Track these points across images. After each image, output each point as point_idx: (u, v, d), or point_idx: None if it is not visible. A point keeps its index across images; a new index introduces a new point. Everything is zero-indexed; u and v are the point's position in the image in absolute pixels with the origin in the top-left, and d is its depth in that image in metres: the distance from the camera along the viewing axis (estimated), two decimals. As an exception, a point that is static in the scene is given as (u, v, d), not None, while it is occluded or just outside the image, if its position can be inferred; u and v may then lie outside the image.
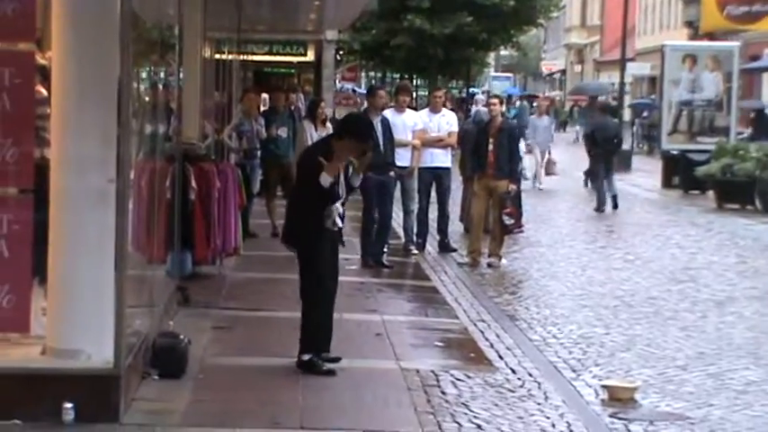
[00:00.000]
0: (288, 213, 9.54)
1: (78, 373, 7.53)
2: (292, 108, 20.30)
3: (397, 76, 48.13)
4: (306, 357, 9.14)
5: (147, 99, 10.23)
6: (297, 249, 9.39)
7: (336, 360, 9.29)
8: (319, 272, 9.22)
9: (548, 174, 27.83)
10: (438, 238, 16.63)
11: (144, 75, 10.01)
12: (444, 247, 16.48)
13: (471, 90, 53.83)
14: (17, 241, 7.74)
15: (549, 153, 28.06)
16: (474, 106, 27.67)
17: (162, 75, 11.35)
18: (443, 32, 40.19)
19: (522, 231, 16.17)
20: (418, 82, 50.48)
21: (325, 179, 9.00)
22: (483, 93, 50.58)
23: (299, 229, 9.19)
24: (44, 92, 8.10)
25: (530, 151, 26.58)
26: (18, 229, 7.75)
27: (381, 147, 14.51)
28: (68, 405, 7.35)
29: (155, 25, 10.66)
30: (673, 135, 29.69)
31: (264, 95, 21.97)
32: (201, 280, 12.53)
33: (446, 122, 16.34)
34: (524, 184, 25.19)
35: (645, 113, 48.79)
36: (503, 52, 76.17)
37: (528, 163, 26.37)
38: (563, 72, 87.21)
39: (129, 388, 7.87)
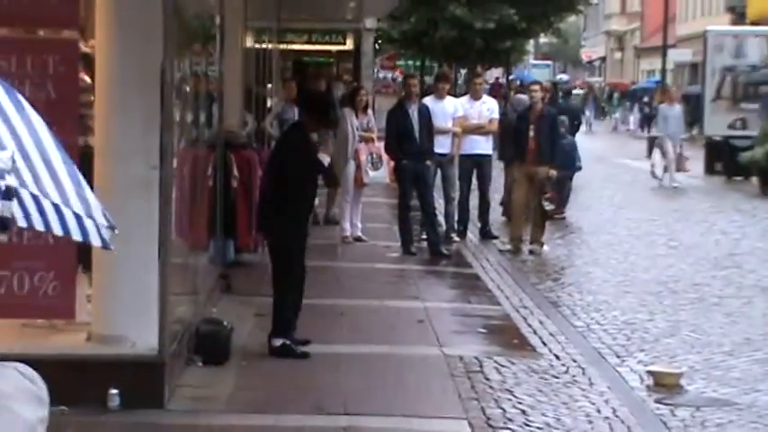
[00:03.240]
0: (268, 198, 9.36)
1: (123, 359, 7.56)
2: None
3: (436, 64, 48.02)
4: (278, 342, 9.10)
5: (188, 87, 10.26)
6: (274, 234, 9.32)
7: (306, 342, 9.24)
8: (295, 255, 9.22)
9: (678, 170, 25.62)
10: (479, 225, 16.59)
11: (186, 63, 10.04)
12: (485, 235, 16.44)
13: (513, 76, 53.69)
14: (62, 229, 7.76)
15: (681, 146, 25.97)
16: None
17: (203, 63, 11.37)
18: (485, 25, 40.05)
19: (563, 218, 16.08)
20: (458, 70, 50.39)
21: (324, 158, 9.13)
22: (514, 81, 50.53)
23: (281, 214, 9.09)
24: (88, 80, 8.14)
25: (659, 145, 25.79)
26: (62, 217, 7.76)
27: (417, 135, 14.51)
28: (114, 391, 7.38)
29: (197, 15, 10.67)
30: (715, 102, 29.20)
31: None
32: (244, 267, 12.57)
33: (487, 109, 16.28)
34: (653, 183, 25.12)
35: (645, 98, 48.65)
36: (542, 39, 75.87)
37: (657, 158, 25.76)
38: (603, 59, 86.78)
39: (174, 374, 7.89)
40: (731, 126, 29.19)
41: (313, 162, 9.08)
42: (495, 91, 43.97)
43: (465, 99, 16.60)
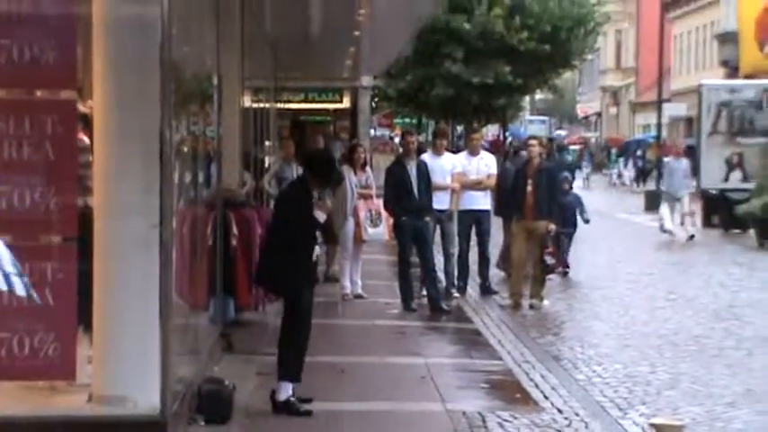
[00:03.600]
0: (270, 253, 9.40)
1: (125, 420, 7.53)
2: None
3: (433, 121, 48.21)
4: (283, 397, 9.08)
5: (187, 147, 10.30)
6: (281, 288, 9.40)
7: (309, 400, 9.22)
8: (305, 310, 9.25)
9: (681, 223, 25.68)
10: (479, 280, 16.58)
11: (184, 123, 10.09)
12: (486, 290, 16.43)
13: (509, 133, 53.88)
14: (62, 289, 7.77)
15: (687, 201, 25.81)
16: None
17: (201, 123, 11.42)
18: (482, 81, 40.25)
19: (566, 272, 16.09)
20: (455, 127, 50.58)
21: (320, 215, 9.20)
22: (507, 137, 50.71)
23: (288, 269, 9.15)
24: (86, 140, 8.17)
25: (667, 199, 25.65)
26: (62, 278, 7.78)
27: (416, 191, 14.56)
28: (115, 452, 7.34)
29: (194, 75, 10.74)
30: (712, 136, 29.23)
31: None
32: (244, 326, 12.55)
33: (485, 165, 16.32)
34: (663, 237, 25.03)
35: (639, 152, 48.87)
36: (538, 96, 76.21)
37: (665, 212, 25.50)
38: (599, 114, 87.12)
39: (176, 434, 7.86)
40: (728, 161, 29.19)
41: (309, 219, 9.11)
42: (496, 147, 44.14)
43: (463, 155, 16.65)
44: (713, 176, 29.10)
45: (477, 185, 16.04)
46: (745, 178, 28.61)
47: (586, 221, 19.13)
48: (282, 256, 9.14)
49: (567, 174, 20.95)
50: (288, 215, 9.27)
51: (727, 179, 29.01)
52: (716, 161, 29.18)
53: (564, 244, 18.49)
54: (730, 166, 29.12)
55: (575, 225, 18.95)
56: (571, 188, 19.93)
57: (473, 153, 16.45)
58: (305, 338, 9.31)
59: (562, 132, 74.44)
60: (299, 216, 9.13)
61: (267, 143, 19.92)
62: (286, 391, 9.12)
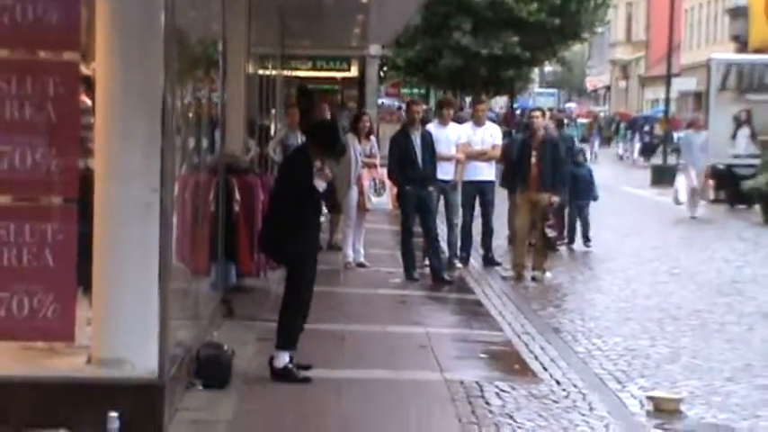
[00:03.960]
0: (272, 221, 9.40)
1: (123, 382, 7.53)
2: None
3: (441, 92, 48.15)
4: (281, 364, 9.10)
5: (190, 112, 10.28)
6: (283, 257, 9.40)
7: (308, 367, 9.25)
8: (308, 278, 9.26)
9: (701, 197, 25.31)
10: (482, 252, 16.58)
11: (188, 88, 10.06)
12: (488, 261, 16.43)
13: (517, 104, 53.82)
14: (62, 251, 7.76)
15: (704, 174, 25.45)
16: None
17: (206, 88, 11.40)
18: (490, 52, 40.15)
19: (564, 243, 16.09)
20: (463, 98, 50.51)
21: (320, 184, 9.18)
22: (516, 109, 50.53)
23: (290, 238, 9.15)
24: (88, 102, 8.16)
25: (682, 171, 25.49)
26: (63, 239, 7.77)
27: (420, 161, 14.56)
28: (113, 414, 7.32)
29: (199, 40, 10.71)
30: (721, 93, 29.13)
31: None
32: (246, 292, 12.58)
33: (489, 135, 16.30)
34: (677, 211, 24.98)
35: (646, 127, 48.73)
36: (547, 68, 76.08)
37: (681, 184, 25.20)
38: (608, 88, 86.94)
39: (174, 398, 7.88)
40: (736, 117, 29.08)
41: (309, 187, 9.12)
42: (506, 119, 44.05)
43: (468, 125, 16.62)
44: (720, 150, 28.94)
45: (481, 156, 16.02)
46: (753, 135, 28.55)
47: (595, 198, 19.05)
48: (284, 225, 9.15)
49: (581, 146, 20.90)
50: (288, 183, 9.27)
51: (734, 136, 28.89)
52: (724, 131, 28.96)
53: (577, 215, 18.53)
54: (738, 123, 29.03)
55: (589, 197, 18.86)
56: (586, 160, 19.88)
57: (478, 123, 16.42)
58: (306, 307, 9.32)
59: (572, 105, 74.21)
60: (300, 184, 9.12)
61: (272, 110, 19.86)
62: (283, 358, 9.14)
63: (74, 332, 7.87)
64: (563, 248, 18.24)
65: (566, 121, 26.78)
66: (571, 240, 18.69)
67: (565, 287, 15.35)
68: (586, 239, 18.72)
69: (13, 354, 7.92)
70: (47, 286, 7.75)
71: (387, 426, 8.06)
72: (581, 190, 18.48)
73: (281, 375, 9.06)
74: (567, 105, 71.61)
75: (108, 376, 7.54)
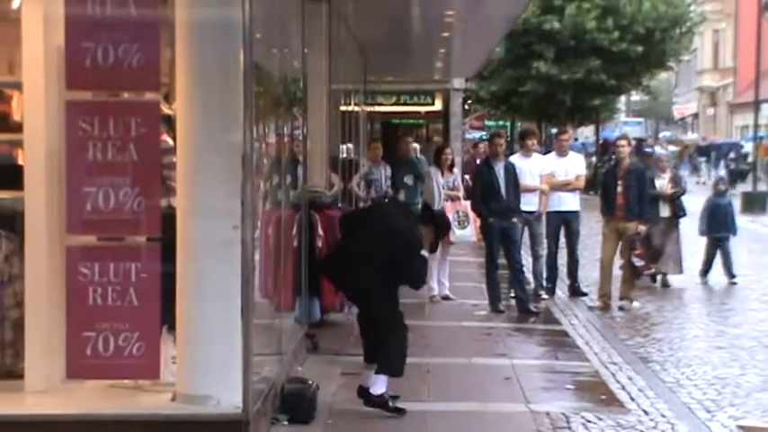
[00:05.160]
0: (369, 278, 9.27)
1: (208, 418, 7.57)
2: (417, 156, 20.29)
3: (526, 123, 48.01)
4: (380, 391, 9.07)
5: (272, 149, 10.37)
6: (377, 306, 9.42)
7: (395, 397, 9.24)
8: (399, 314, 9.37)
9: None
10: (568, 282, 16.46)
11: (269, 125, 10.16)
12: (574, 292, 16.31)
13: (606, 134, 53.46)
14: (146, 289, 7.86)
15: None
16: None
17: (287, 125, 11.50)
18: (572, 78, 39.99)
19: (652, 273, 15.92)
20: (548, 130, 50.31)
21: (426, 253, 9.49)
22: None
23: (388, 293, 9.29)
24: (170, 141, 8.27)
25: None
26: (147, 278, 7.87)
27: (503, 193, 14.53)
28: (199, 450, 7.40)
29: (280, 77, 10.81)
30: None
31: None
32: (330, 327, 12.61)
33: (573, 165, 16.22)
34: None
35: (732, 154, 47.97)
36: (633, 97, 75.50)
37: None
38: (695, 116, 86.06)
39: (259, 433, 7.91)
40: None
41: (416, 253, 9.32)
42: (605, 148, 43.64)
43: (552, 155, 16.55)
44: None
45: (565, 186, 15.94)
46: None
47: (734, 233, 18.35)
48: (380, 288, 9.21)
49: (722, 176, 20.37)
50: (401, 251, 9.22)
51: None
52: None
53: (716, 249, 18.04)
54: None
55: (729, 230, 18.24)
56: (726, 190, 19.29)
57: (561, 153, 16.35)
58: (406, 336, 9.38)
59: (667, 134, 73.35)
60: (417, 247, 9.30)
61: (351, 145, 19.89)
62: (382, 384, 9.13)
63: (159, 369, 7.96)
64: (648, 277, 17.99)
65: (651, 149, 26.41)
66: (705, 272, 18.17)
67: (652, 316, 15.18)
68: (731, 275, 18.00)
69: (100, 392, 8.03)
70: (132, 324, 7.85)
71: (472, 458, 8.01)
72: (720, 223, 18.00)
73: (377, 403, 9.05)
74: (662, 134, 70.66)
75: (193, 413, 7.60)
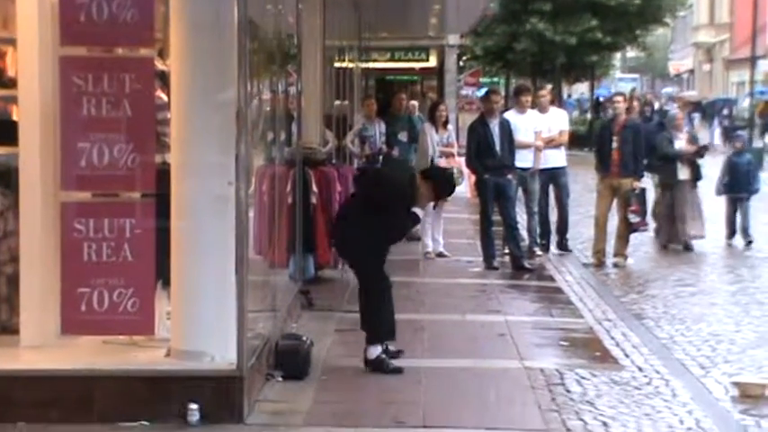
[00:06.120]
0: (352, 227, 9.26)
1: (202, 374, 7.61)
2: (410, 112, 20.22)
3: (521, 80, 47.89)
4: (373, 356, 9.10)
5: (266, 105, 10.34)
6: (356, 264, 9.43)
7: (398, 353, 9.28)
8: (384, 275, 9.30)
9: None
10: (557, 237, 16.44)
11: (263, 82, 10.12)
12: (562, 247, 16.25)
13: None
14: (140, 245, 7.88)
15: None
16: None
17: (281, 82, 11.46)
18: (566, 42, 39.83)
19: (646, 230, 15.90)
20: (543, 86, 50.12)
21: (420, 211, 9.40)
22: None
23: (366, 252, 9.19)
24: (164, 97, 8.24)
25: None
26: (141, 234, 7.88)
27: (498, 149, 14.52)
28: (193, 406, 7.42)
29: (274, 33, 10.76)
30: None
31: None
32: (324, 283, 12.62)
33: (555, 121, 16.18)
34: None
35: (725, 111, 47.83)
36: (629, 54, 75.34)
37: None
38: (691, 72, 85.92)
39: (253, 389, 7.93)
40: None
41: (406, 209, 9.24)
42: (604, 107, 43.47)
43: (534, 112, 16.50)
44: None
45: (549, 142, 15.88)
46: None
47: (755, 191, 17.80)
48: (364, 238, 9.14)
49: (741, 133, 19.84)
50: (389, 203, 9.16)
51: None
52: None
53: (737, 210, 17.61)
54: None
55: (749, 189, 17.71)
56: (743, 148, 18.76)
57: (542, 110, 16.29)
58: (389, 300, 9.31)
59: (669, 90, 73.07)
60: (401, 208, 9.19)
61: (347, 102, 19.84)
62: (375, 349, 9.15)
63: (153, 325, 7.99)
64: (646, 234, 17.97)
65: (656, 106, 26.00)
66: (730, 235, 17.77)
67: (647, 273, 15.21)
68: (746, 236, 17.57)
69: (95, 347, 8.06)
70: (126, 280, 7.87)
71: (465, 414, 8.02)
72: (739, 182, 17.59)
73: (375, 366, 9.06)
74: (664, 90, 70.34)
75: (187, 368, 7.63)
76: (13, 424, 7.30)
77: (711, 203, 17.91)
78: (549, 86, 18.99)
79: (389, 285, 9.32)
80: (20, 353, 7.95)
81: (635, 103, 25.06)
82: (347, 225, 9.32)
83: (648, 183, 16.60)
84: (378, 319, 9.19)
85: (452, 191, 9.89)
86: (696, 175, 17.07)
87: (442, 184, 9.56)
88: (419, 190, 9.29)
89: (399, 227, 9.39)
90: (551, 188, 16.00)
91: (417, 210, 9.38)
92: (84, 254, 7.87)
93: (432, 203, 11.38)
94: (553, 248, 16.18)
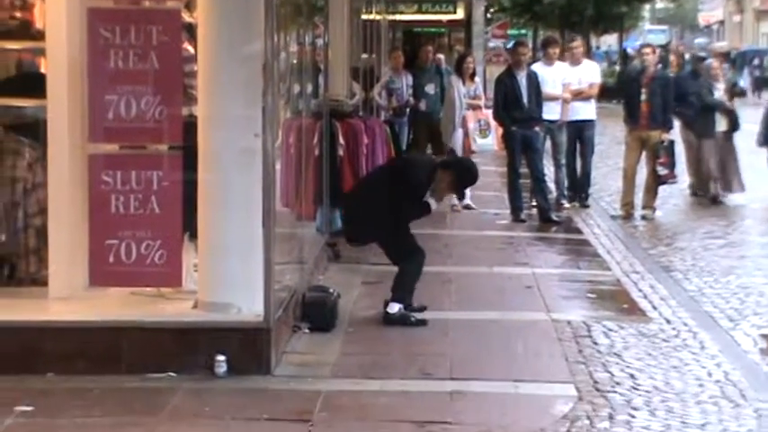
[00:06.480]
0: (363, 207, 9.35)
1: (229, 326, 7.63)
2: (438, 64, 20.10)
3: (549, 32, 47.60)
4: (395, 309, 9.09)
5: (293, 58, 10.31)
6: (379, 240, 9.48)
7: (422, 309, 9.25)
8: (410, 247, 9.29)
9: None
10: (577, 192, 16.29)
11: (290, 34, 10.08)
12: (582, 202, 16.10)
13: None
14: (167, 197, 7.88)
15: None
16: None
17: (308, 34, 11.42)
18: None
19: (675, 182, 15.80)
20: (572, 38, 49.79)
21: (433, 204, 9.31)
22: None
23: (381, 225, 9.20)
24: (191, 50, 8.23)
25: None
26: (168, 186, 7.89)
27: (526, 101, 14.46)
28: (221, 358, 7.44)
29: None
30: None
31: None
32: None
33: (586, 73, 16.07)
34: None
35: (755, 61, 47.33)
36: (658, 5, 74.72)
37: None
38: (721, 23, 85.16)
39: (280, 341, 7.95)
40: None
41: (422, 202, 9.21)
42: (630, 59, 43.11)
43: (565, 65, 16.40)
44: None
45: (578, 95, 15.78)
46: None
47: None
48: (375, 219, 9.16)
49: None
50: (404, 183, 9.17)
51: None
52: None
53: None
54: None
55: None
56: None
57: (574, 62, 16.19)
58: (421, 265, 9.32)
59: (701, 41, 72.30)
60: (414, 195, 9.16)
61: (374, 55, 19.76)
62: (396, 305, 9.14)
63: (181, 277, 8.01)
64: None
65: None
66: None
67: (675, 225, 15.15)
68: None
69: (123, 299, 8.09)
70: (154, 232, 7.89)
71: (492, 366, 8.03)
72: None
73: (397, 321, 9.06)
74: (698, 41, 69.48)
75: (214, 320, 7.65)
76: (41, 375, 7.35)
77: (747, 155, 17.72)
78: (579, 39, 18.68)
79: (422, 254, 9.30)
80: (48, 304, 7.99)
81: (672, 57, 24.81)
82: (358, 209, 9.38)
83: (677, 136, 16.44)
84: (409, 282, 9.19)
85: (474, 180, 9.73)
86: (734, 126, 16.89)
87: (462, 173, 9.45)
88: (440, 182, 9.20)
89: (410, 215, 9.33)
90: (577, 142, 15.91)
91: (432, 203, 9.29)
92: (111, 206, 7.88)
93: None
94: (575, 203, 16.08)
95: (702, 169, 16.79)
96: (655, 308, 10.03)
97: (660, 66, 17.47)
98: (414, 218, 9.42)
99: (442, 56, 21.87)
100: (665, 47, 38.95)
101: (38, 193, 8.31)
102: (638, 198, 15.55)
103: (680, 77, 17.68)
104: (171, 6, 8.07)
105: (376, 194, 9.27)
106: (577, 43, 17.08)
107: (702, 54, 23.76)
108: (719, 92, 16.96)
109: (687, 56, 39.70)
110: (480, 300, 10.20)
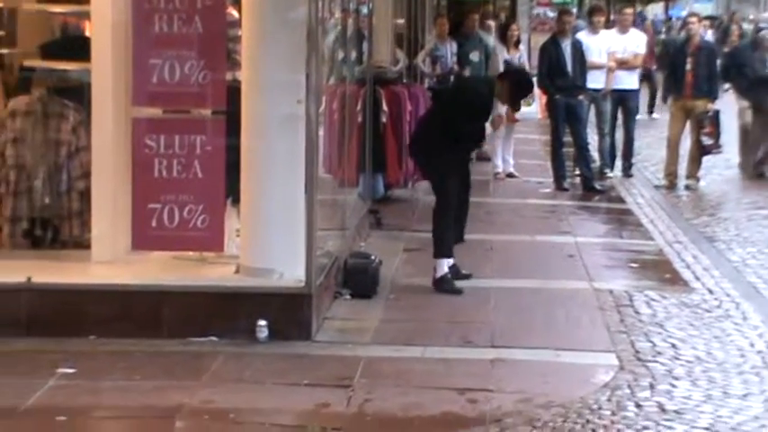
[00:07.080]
0: (431, 132, 9.35)
1: (271, 291, 7.64)
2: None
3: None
4: (439, 274, 9.08)
5: (337, 24, 10.29)
6: (429, 172, 9.53)
7: (467, 276, 9.25)
8: (450, 195, 9.24)
9: None
10: (622, 162, 16.21)
11: (335, 0, 10.06)
12: (625, 172, 15.99)
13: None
14: (210, 162, 7.90)
15: None
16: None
17: (353, 0, 11.39)
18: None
19: (720, 152, 15.65)
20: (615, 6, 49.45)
21: (500, 107, 9.58)
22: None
23: (442, 157, 9.15)
24: (236, 14, 8.22)
25: None
26: (211, 151, 7.90)
27: (570, 70, 14.39)
28: (262, 323, 7.46)
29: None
30: None
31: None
32: (394, 203, 12.64)
33: (632, 43, 15.93)
34: None
35: None
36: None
37: None
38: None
39: (321, 306, 7.97)
40: None
41: (485, 111, 9.33)
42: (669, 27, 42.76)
43: (613, 32, 16.27)
44: None
45: (623, 64, 15.65)
46: None
47: None
48: (441, 142, 9.12)
49: None
50: (469, 100, 9.27)
51: None
52: None
53: None
54: None
55: None
56: None
57: (622, 30, 16.06)
58: (452, 218, 9.28)
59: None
60: (483, 103, 9.22)
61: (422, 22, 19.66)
62: (441, 268, 9.13)
63: (223, 242, 8.03)
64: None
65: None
66: None
67: (719, 195, 15.05)
68: None
69: (165, 263, 8.13)
70: (196, 197, 7.91)
71: (533, 334, 8.02)
72: None
73: (439, 285, 9.07)
74: (765, 14, 68.65)
75: (256, 285, 7.67)
76: (84, 337, 7.40)
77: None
78: (646, 9, 18.61)
79: (452, 206, 9.28)
80: (91, 268, 8.04)
81: (734, 26, 24.48)
82: (425, 135, 9.38)
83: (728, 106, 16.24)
84: (443, 232, 9.17)
85: (530, 90, 9.94)
86: None
87: (518, 82, 9.48)
88: (500, 94, 9.31)
89: (472, 136, 9.43)
90: (620, 111, 15.79)
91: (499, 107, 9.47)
92: (155, 170, 7.91)
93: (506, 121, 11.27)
94: (617, 172, 15.99)
95: (749, 141, 16.61)
96: (697, 278, 9.98)
97: (720, 35, 17.27)
98: (472, 139, 9.55)
99: (492, 22, 21.70)
100: (712, 18, 38.41)
101: (81, 157, 8.35)
102: (682, 168, 15.44)
103: (738, 48, 17.48)
104: (215, -29, 8.03)
105: (439, 112, 9.45)
106: (630, 11, 16.95)
107: (763, 24, 23.52)
108: None
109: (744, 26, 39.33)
110: (522, 268, 10.18)
